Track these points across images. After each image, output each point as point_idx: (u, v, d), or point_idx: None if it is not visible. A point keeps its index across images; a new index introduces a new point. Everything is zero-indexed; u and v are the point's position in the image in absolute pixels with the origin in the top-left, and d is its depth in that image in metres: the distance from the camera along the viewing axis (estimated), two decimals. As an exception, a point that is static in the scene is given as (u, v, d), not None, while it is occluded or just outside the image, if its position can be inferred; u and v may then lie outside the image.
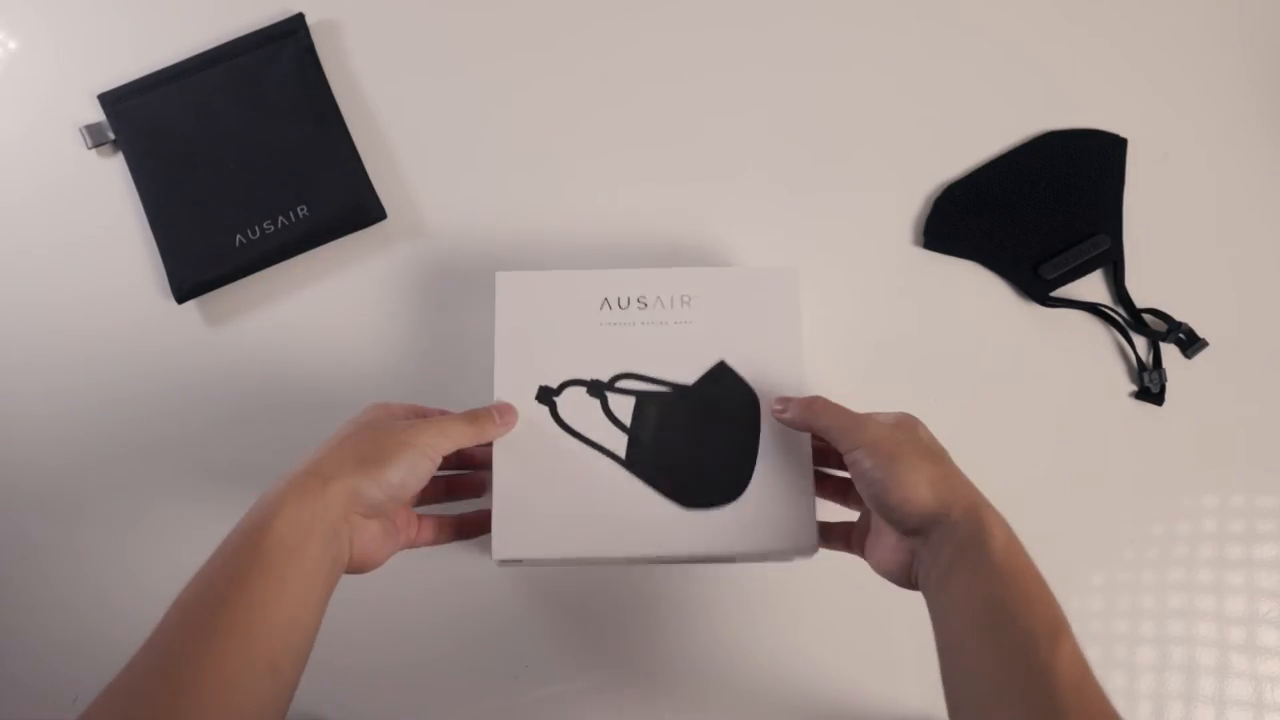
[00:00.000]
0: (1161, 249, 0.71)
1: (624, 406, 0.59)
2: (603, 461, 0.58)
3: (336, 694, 0.67)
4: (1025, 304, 0.71)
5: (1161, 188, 0.72)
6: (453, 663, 0.68)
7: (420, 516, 0.58)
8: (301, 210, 0.70)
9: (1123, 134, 0.72)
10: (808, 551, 0.56)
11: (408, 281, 0.71)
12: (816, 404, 0.55)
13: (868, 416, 0.52)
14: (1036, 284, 0.70)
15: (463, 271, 0.71)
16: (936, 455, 0.50)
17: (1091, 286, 0.71)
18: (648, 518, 0.57)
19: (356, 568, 0.50)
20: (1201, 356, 0.70)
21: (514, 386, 0.59)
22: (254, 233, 0.69)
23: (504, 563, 0.56)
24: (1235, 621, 0.67)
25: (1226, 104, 0.74)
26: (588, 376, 0.60)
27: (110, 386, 0.71)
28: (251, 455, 0.70)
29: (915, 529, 0.49)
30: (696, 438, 0.58)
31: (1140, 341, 0.70)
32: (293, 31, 0.72)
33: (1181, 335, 0.69)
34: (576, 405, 0.59)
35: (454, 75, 0.74)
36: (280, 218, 0.69)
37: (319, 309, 0.71)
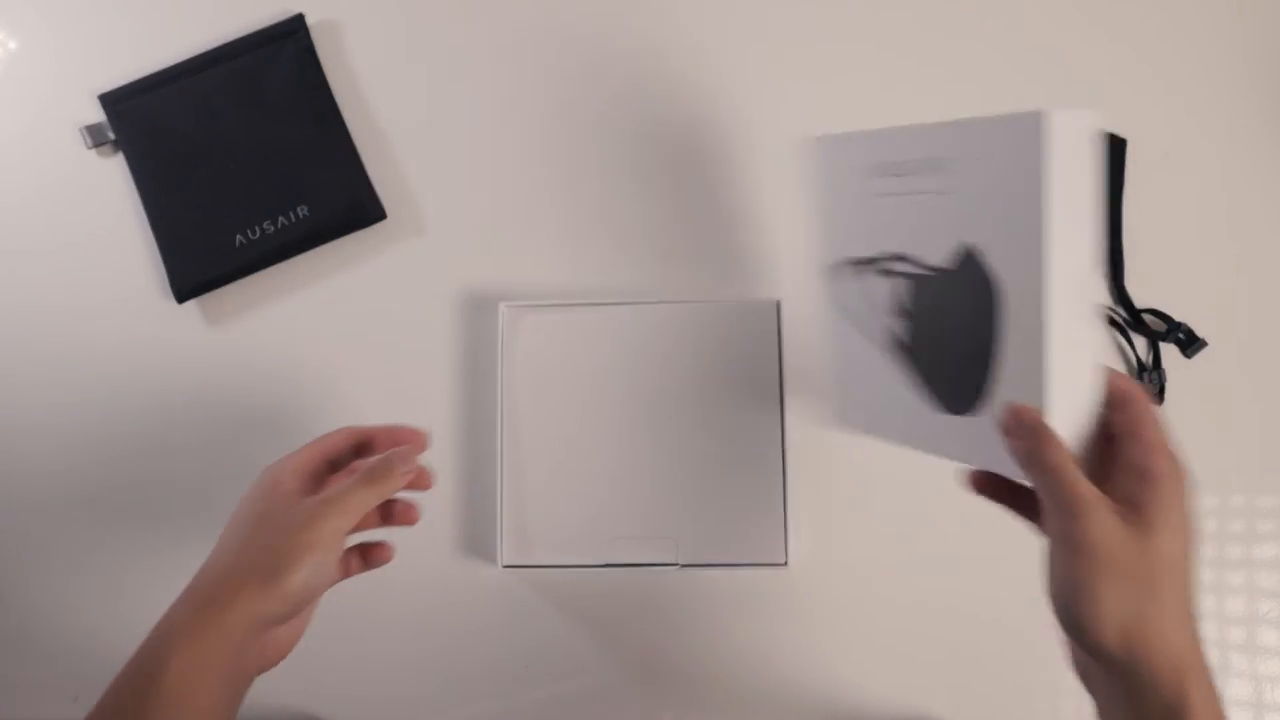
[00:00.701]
0: (1161, 249, 0.71)
1: (882, 290, 0.52)
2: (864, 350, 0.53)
3: (335, 694, 0.67)
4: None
5: (1162, 187, 0.72)
6: (452, 663, 0.68)
7: (345, 555, 0.53)
8: (301, 210, 0.70)
9: (1123, 134, 0.72)
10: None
11: (408, 281, 0.71)
12: (1043, 443, 0.41)
13: (1099, 501, 0.39)
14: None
15: (462, 271, 0.71)
16: (1154, 585, 0.38)
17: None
18: (905, 412, 0.51)
19: (268, 666, 0.48)
20: (1201, 356, 0.70)
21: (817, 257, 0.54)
22: (254, 233, 0.69)
23: (509, 567, 0.56)
24: (1235, 621, 0.67)
25: (1227, 103, 0.74)
26: (862, 254, 0.53)
27: (110, 386, 0.71)
28: (251, 455, 0.69)
29: (1096, 656, 0.40)
30: (955, 332, 0.48)
31: (1140, 341, 0.70)
32: (293, 32, 0.72)
33: (1181, 335, 0.69)
34: (846, 287, 0.53)
35: (454, 75, 0.74)
36: (280, 218, 0.70)
37: (319, 309, 0.71)
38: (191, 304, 0.71)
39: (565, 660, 0.68)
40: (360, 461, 0.53)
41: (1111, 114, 0.73)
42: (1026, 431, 0.42)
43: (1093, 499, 0.39)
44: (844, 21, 0.74)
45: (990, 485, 0.48)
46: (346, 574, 0.52)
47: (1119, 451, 0.41)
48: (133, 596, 0.68)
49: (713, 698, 0.67)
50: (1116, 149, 0.72)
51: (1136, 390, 0.43)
